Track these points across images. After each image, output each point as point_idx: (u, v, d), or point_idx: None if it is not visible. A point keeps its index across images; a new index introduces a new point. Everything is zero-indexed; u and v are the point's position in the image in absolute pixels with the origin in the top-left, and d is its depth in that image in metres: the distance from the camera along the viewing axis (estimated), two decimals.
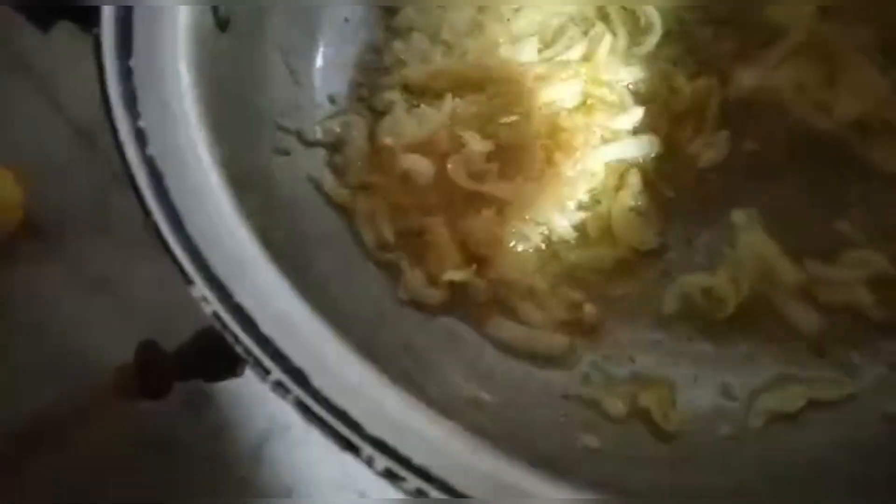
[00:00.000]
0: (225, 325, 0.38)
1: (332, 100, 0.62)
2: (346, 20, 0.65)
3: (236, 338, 0.37)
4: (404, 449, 0.37)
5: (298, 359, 0.39)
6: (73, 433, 0.66)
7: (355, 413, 0.38)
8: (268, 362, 0.37)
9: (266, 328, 0.39)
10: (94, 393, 0.66)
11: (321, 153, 0.60)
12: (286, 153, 0.58)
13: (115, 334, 0.68)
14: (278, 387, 0.37)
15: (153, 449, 0.68)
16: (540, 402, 0.54)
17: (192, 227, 0.41)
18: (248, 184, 0.50)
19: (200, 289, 0.38)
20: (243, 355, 0.37)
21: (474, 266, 0.57)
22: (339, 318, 0.45)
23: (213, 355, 0.57)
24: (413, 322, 0.57)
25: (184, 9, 0.49)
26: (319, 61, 0.63)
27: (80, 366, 0.69)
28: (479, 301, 0.57)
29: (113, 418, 0.66)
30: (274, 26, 0.59)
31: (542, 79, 0.60)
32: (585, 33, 0.63)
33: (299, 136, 0.59)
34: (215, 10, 0.52)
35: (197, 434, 0.68)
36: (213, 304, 0.38)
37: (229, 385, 0.62)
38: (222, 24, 0.53)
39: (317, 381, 0.38)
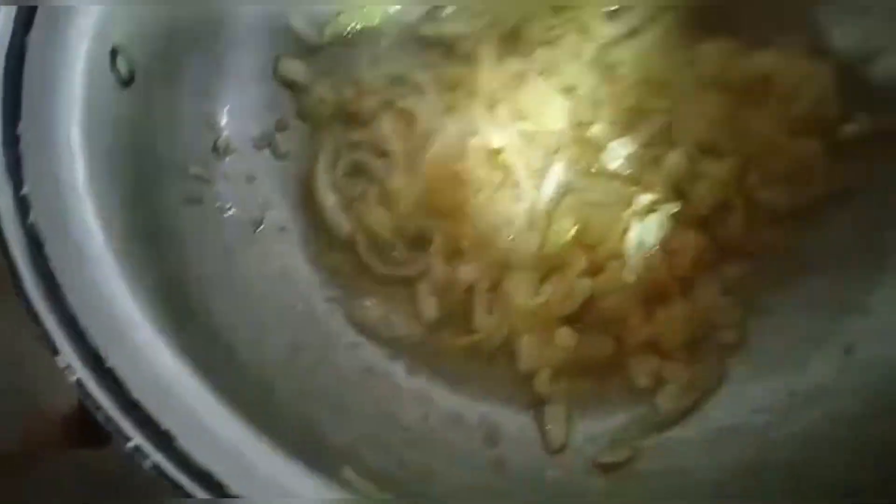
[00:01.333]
0: (88, 394, 0.38)
1: (243, 144, 0.63)
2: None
3: (97, 405, 0.38)
4: None
5: (167, 421, 0.39)
6: (23, 475, 0.68)
7: (221, 474, 0.39)
8: (129, 429, 0.38)
9: (137, 393, 0.40)
10: (43, 437, 0.67)
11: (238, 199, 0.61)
12: (198, 201, 0.59)
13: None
14: (137, 452, 0.38)
15: (104, 492, 0.69)
16: None
17: (70, 294, 0.43)
18: (147, 239, 0.51)
19: (67, 357, 0.39)
20: (103, 422, 0.38)
21: None
22: (232, 371, 0.46)
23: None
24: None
25: (81, 69, 0.50)
26: (233, 107, 0.64)
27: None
28: None
29: (63, 461, 0.67)
30: (184, 77, 0.60)
31: None
32: None
33: (208, 181, 0.60)
34: (117, 68, 0.53)
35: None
36: (78, 373, 0.39)
37: None
38: (125, 80, 0.54)
39: (183, 443, 0.39)
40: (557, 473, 0.56)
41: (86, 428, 0.61)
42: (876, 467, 0.48)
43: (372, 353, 0.60)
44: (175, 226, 0.56)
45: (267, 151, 0.64)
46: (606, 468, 0.55)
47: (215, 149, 0.62)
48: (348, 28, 0.68)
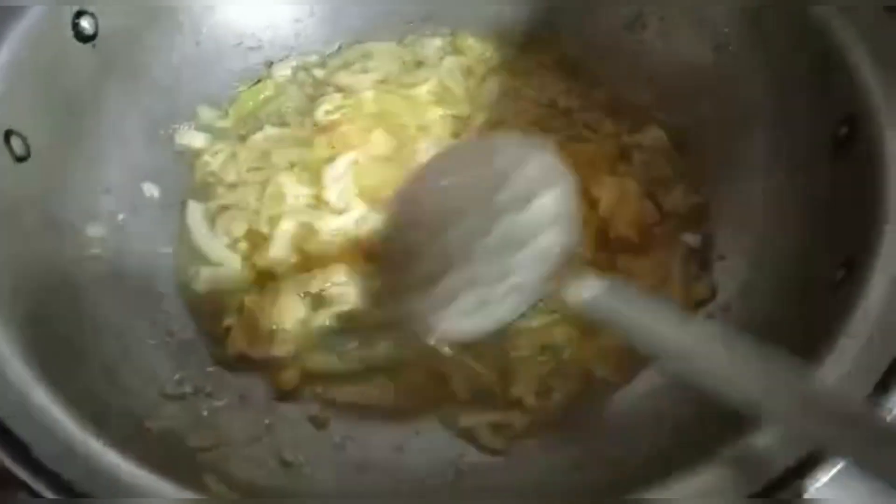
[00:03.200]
0: None
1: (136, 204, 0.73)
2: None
3: None
4: None
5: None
6: None
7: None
8: None
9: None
10: None
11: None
12: (96, 258, 0.67)
13: None
14: None
15: None
16: None
17: None
18: (41, 301, 0.59)
19: None
20: None
21: None
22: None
23: None
24: None
25: None
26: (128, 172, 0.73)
27: None
28: None
29: None
30: (78, 146, 0.69)
31: None
32: None
33: (106, 240, 0.69)
34: (11, 148, 0.62)
35: None
36: None
37: None
38: (20, 157, 0.63)
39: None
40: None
41: None
42: None
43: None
44: (70, 284, 0.64)
45: (157, 209, 0.74)
46: None
47: (110, 209, 0.70)
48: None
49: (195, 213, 0.74)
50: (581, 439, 0.62)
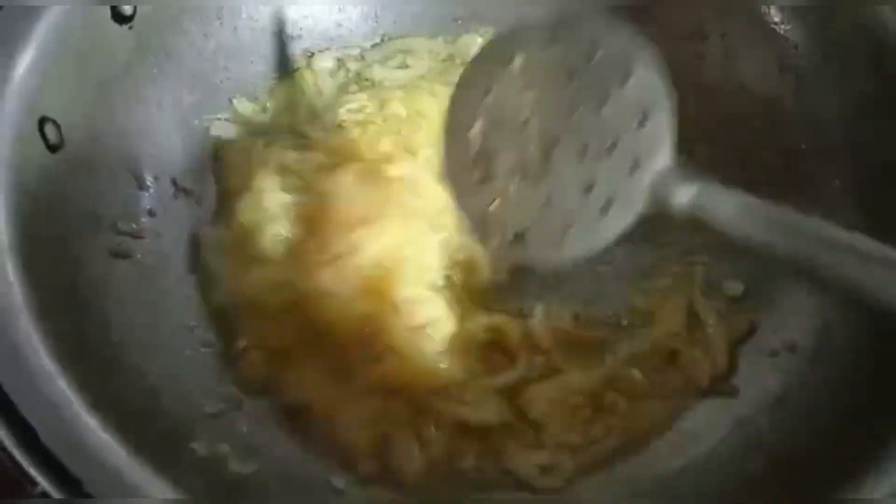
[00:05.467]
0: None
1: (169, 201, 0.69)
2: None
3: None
4: None
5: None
6: None
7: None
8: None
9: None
10: None
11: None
12: (126, 256, 0.63)
13: None
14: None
15: None
16: None
17: None
18: (68, 296, 0.55)
19: None
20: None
21: None
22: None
23: None
24: None
25: (9, 136, 0.55)
26: (158, 166, 0.68)
27: None
28: None
29: None
30: (111, 140, 0.64)
31: None
32: None
33: (138, 236, 0.65)
34: (45, 136, 0.57)
35: None
36: None
37: None
38: (54, 146, 0.59)
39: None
40: None
41: None
42: None
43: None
44: (103, 281, 0.60)
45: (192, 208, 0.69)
46: None
47: (142, 205, 0.66)
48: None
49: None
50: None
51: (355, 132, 0.73)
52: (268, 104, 0.77)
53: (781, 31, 0.71)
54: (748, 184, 0.69)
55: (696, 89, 0.75)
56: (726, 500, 0.56)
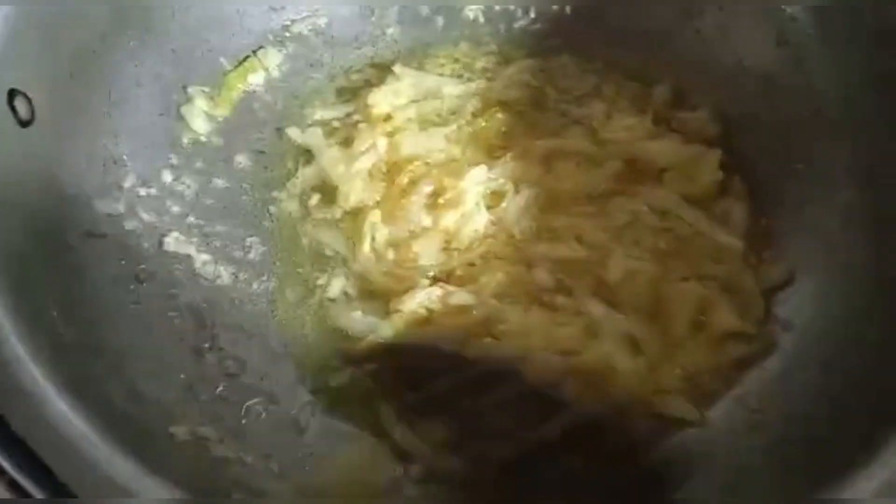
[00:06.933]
0: None
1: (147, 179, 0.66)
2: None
3: None
4: None
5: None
6: None
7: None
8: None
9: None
10: None
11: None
12: (102, 235, 0.61)
13: None
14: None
15: None
16: None
17: None
18: (44, 277, 0.53)
19: None
20: None
21: None
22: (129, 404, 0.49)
23: None
24: None
25: None
26: (139, 144, 0.66)
27: None
28: None
29: None
30: (84, 116, 0.62)
31: None
32: None
33: (113, 217, 0.62)
34: (15, 110, 0.55)
35: None
36: None
37: None
38: (25, 121, 0.56)
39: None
40: None
41: None
42: None
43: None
44: (79, 261, 0.58)
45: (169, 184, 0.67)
46: None
47: (119, 184, 0.64)
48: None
49: None
50: None
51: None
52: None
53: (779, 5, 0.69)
54: (747, 158, 0.69)
55: (694, 65, 0.74)
56: None
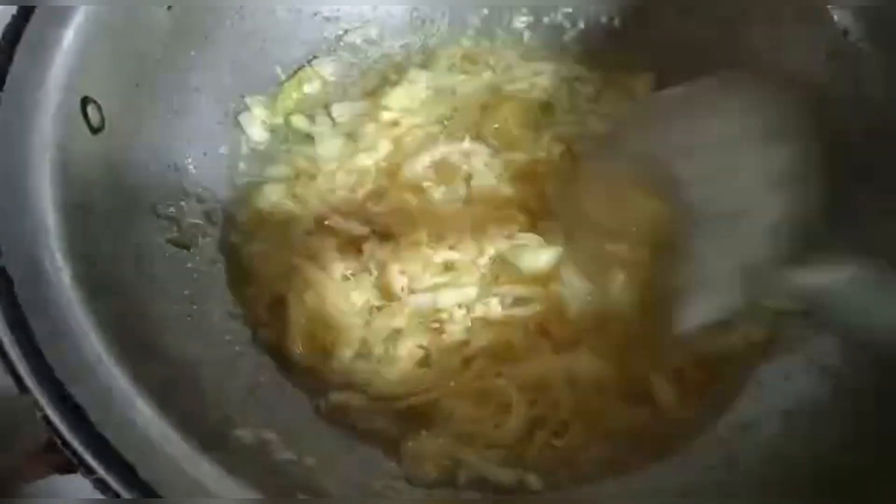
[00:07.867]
0: (55, 430, 0.42)
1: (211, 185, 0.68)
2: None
3: (63, 440, 0.41)
4: None
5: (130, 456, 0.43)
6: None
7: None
8: (92, 461, 0.41)
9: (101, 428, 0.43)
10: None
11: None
12: (167, 239, 0.62)
13: None
14: (99, 483, 0.41)
15: None
16: None
17: (39, 333, 0.45)
18: (115, 278, 0.54)
19: (34, 396, 0.42)
20: (69, 456, 0.41)
21: None
22: (194, 405, 0.50)
23: None
24: None
25: (51, 118, 0.54)
26: (197, 151, 0.67)
27: None
28: None
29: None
30: (152, 124, 0.63)
31: None
32: None
33: (178, 221, 0.64)
34: (87, 117, 0.56)
35: None
36: (44, 410, 0.42)
37: None
38: (95, 128, 0.58)
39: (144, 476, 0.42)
40: None
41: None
42: None
43: None
44: (145, 265, 0.59)
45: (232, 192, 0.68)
46: None
47: (184, 190, 0.65)
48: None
49: None
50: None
51: None
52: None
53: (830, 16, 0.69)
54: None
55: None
56: None
